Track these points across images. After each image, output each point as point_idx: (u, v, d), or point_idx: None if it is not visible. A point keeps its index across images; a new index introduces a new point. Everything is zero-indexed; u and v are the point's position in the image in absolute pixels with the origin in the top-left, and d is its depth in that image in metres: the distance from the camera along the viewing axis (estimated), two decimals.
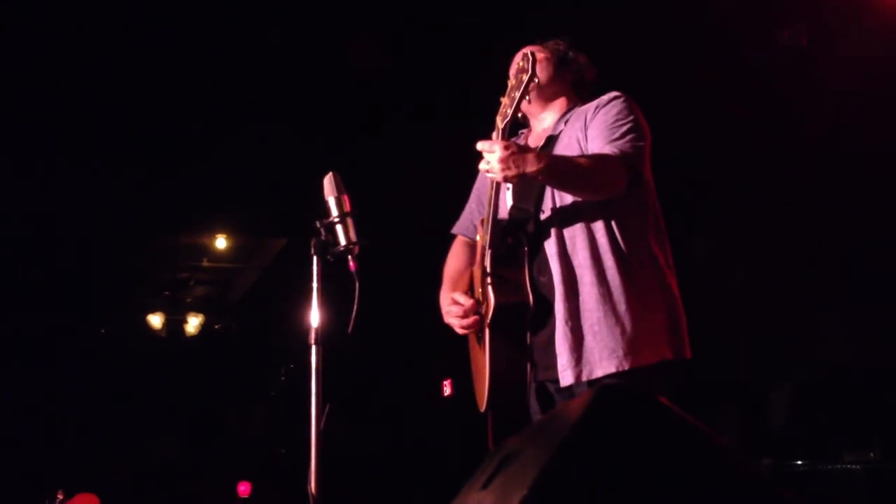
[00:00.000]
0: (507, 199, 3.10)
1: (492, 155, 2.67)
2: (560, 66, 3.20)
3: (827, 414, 6.17)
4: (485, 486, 1.50)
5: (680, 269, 3.07)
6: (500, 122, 2.83)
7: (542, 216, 2.97)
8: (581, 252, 2.88)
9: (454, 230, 3.46)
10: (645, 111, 3.05)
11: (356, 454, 8.10)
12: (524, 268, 2.91)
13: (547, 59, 3.17)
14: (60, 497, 7.15)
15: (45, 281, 9.03)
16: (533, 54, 2.78)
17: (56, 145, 7.16)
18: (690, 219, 6.57)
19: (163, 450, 9.99)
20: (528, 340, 2.89)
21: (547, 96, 3.18)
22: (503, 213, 3.07)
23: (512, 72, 2.97)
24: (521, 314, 2.88)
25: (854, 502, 5.02)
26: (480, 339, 3.01)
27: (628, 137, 2.90)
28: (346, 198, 2.87)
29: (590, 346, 2.82)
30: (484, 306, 2.96)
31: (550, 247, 2.91)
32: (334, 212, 2.85)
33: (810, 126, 6.16)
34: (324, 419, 2.69)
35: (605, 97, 3.06)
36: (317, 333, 2.76)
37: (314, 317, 2.78)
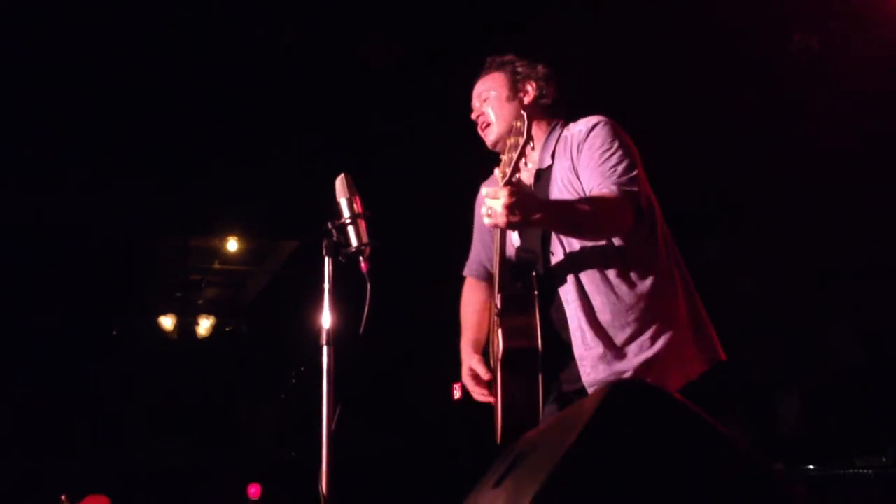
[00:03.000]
0: (514, 240, 3.11)
1: (495, 202, 2.63)
2: (513, 93, 3.17)
3: (838, 418, 6.15)
4: (497, 485, 1.50)
5: (689, 274, 3.08)
6: (500, 177, 2.78)
7: (552, 259, 2.97)
8: (595, 294, 2.89)
9: (465, 272, 3.50)
10: (656, 118, 3.04)
11: (366, 455, 8.09)
12: (534, 312, 2.90)
13: (500, 96, 3.15)
14: (64, 499, 7.16)
15: (56, 282, 9.06)
16: (529, 116, 2.73)
17: (69, 148, 7.18)
18: (700, 224, 6.57)
19: (173, 451, 10.00)
20: (542, 376, 2.88)
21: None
22: (510, 253, 3.07)
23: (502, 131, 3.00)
24: (531, 358, 2.88)
25: None
26: (495, 379, 3.05)
27: (622, 170, 2.87)
28: (357, 199, 2.88)
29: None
30: (497, 348, 2.98)
31: (564, 291, 2.92)
32: (346, 213, 2.85)
33: (820, 129, 6.14)
34: (335, 420, 2.70)
35: (584, 127, 3.01)
36: (328, 335, 2.76)
37: (326, 318, 2.78)
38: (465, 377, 3.23)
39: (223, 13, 6.00)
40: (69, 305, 9.41)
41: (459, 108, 3.31)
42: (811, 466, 5.29)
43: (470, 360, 3.23)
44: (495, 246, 3.02)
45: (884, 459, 5.34)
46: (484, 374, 3.13)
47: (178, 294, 10.86)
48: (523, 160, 2.69)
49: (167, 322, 10.89)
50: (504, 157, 2.78)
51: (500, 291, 2.96)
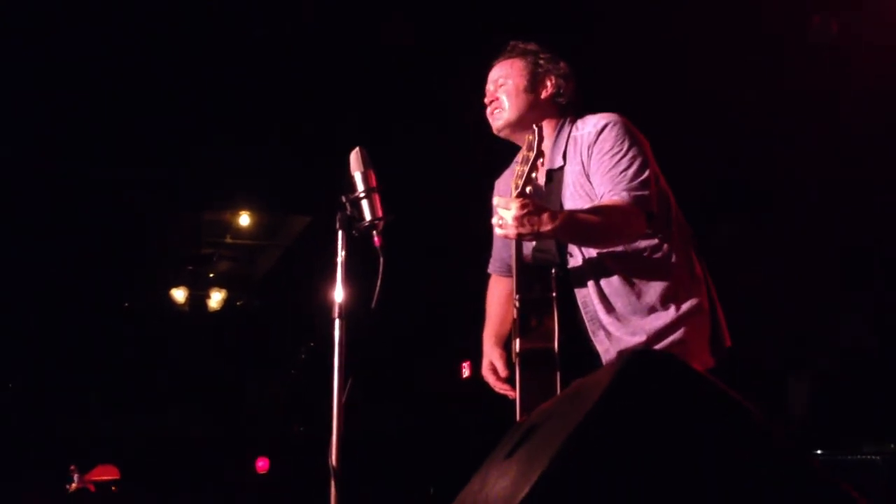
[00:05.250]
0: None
1: (507, 212, 2.63)
2: (533, 86, 3.12)
3: (846, 404, 6.15)
4: (509, 456, 1.50)
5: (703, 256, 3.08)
6: (513, 188, 2.76)
7: (570, 260, 2.97)
8: (615, 296, 2.90)
9: (489, 270, 3.48)
10: (672, 111, 3.02)
11: (376, 430, 8.13)
12: (552, 313, 2.90)
13: (518, 85, 3.12)
14: (73, 469, 7.23)
15: (68, 256, 9.10)
16: (540, 128, 2.75)
17: (81, 121, 7.20)
18: (713, 211, 6.56)
19: (182, 424, 10.07)
20: (560, 377, 2.87)
21: (530, 121, 3.05)
22: (527, 253, 3.05)
23: (522, 144, 2.92)
24: (548, 359, 2.88)
25: (874, 493, 5.00)
26: (514, 377, 3.05)
27: (632, 174, 2.85)
28: (371, 173, 2.86)
29: None
30: (515, 349, 2.99)
31: (582, 293, 2.93)
32: (360, 187, 2.84)
33: (833, 120, 6.11)
34: (346, 393, 2.71)
35: (593, 129, 2.98)
36: (341, 308, 2.77)
37: (338, 291, 2.78)
38: (485, 371, 3.23)
39: None
40: (82, 278, 9.45)
41: (477, 84, 3.28)
42: (819, 452, 5.29)
43: (491, 355, 3.23)
44: (512, 248, 3.00)
45: (892, 446, 5.33)
46: (502, 371, 3.14)
47: (190, 267, 10.90)
48: (534, 174, 2.70)
49: (179, 295, 10.93)
50: (517, 169, 2.77)
51: (517, 293, 2.96)
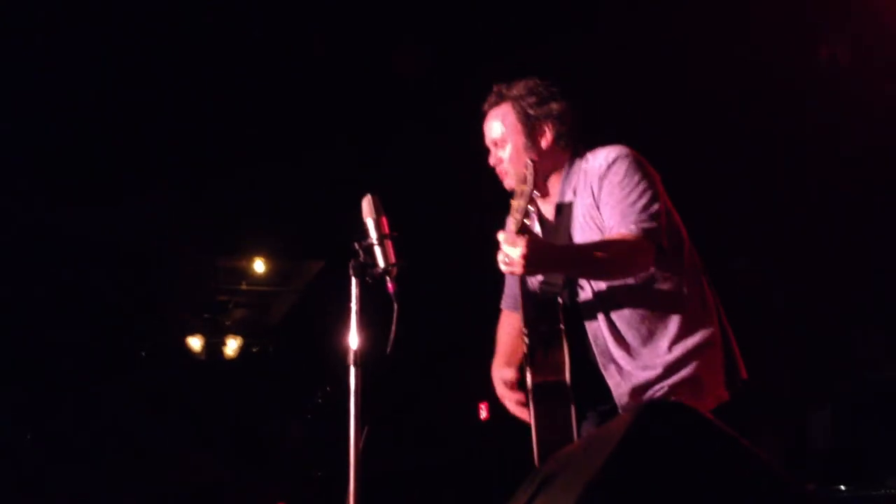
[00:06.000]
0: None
1: (512, 251, 2.62)
2: (532, 140, 3.07)
3: (869, 437, 6.07)
4: None
5: (718, 284, 3.06)
6: (513, 224, 2.73)
7: (580, 292, 2.96)
8: (627, 329, 2.89)
9: (502, 305, 3.47)
10: (680, 131, 3.02)
11: (394, 474, 8.08)
12: (562, 346, 2.89)
13: (517, 145, 3.07)
14: None
15: (85, 304, 9.13)
16: (534, 162, 2.75)
17: (98, 169, 7.25)
18: (728, 238, 6.53)
19: (200, 471, 10.03)
20: (574, 408, 2.87)
21: (543, 174, 3.06)
22: (533, 286, 3.05)
23: (512, 176, 3.00)
24: (560, 391, 2.88)
25: None
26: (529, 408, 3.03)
27: (641, 206, 2.84)
28: (384, 220, 2.88)
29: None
30: (528, 384, 2.98)
31: (593, 326, 2.92)
32: (373, 233, 2.85)
33: (848, 141, 6.10)
34: (362, 440, 2.70)
35: (604, 161, 2.95)
36: (356, 355, 2.77)
37: (353, 338, 2.78)
38: (498, 387, 3.17)
39: (250, 35, 6.05)
40: (98, 326, 9.48)
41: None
42: (842, 487, 5.21)
43: (500, 374, 3.17)
44: (517, 282, 3.01)
45: None
46: (513, 377, 3.08)
47: (206, 315, 10.92)
48: (531, 209, 2.70)
49: (195, 343, 10.95)
50: (513, 203, 2.74)
51: (526, 326, 2.96)
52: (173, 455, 9.88)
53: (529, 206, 2.70)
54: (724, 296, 3.07)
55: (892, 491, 5.02)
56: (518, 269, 2.64)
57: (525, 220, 2.69)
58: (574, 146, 3.11)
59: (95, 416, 9.53)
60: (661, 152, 3.02)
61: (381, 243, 2.84)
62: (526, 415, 3.01)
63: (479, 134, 3.18)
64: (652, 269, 2.89)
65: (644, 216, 2.82)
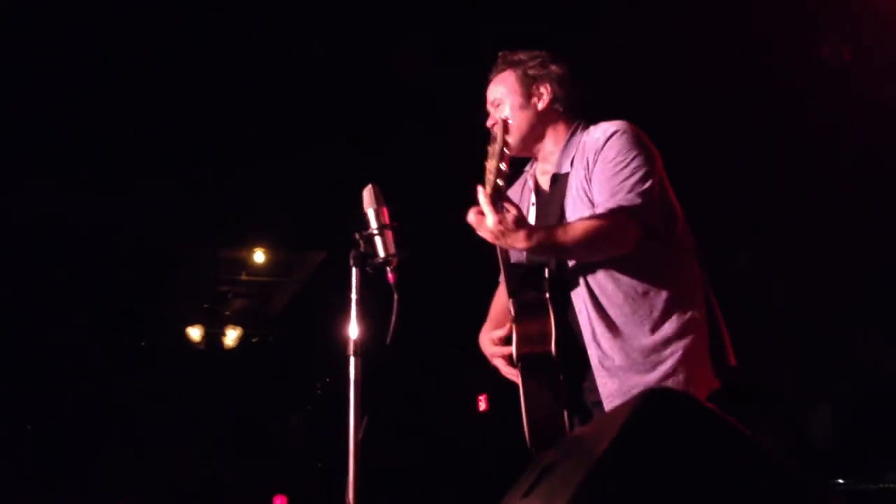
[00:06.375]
0: None
1: (483, 221, 2.65)
2: (526, 100, 3.07)
3: (869, 432, 6.09)
4: (526, 495, 1.49)
5: (718, 283, 3.05)
6: (487, 187, 2.71)
7: (567, 262, 2.92)
8: (610, 306, 2.83)
9: (499, 280, 3.40)
10: (680, 131, 2.99)
11: (393, 466, 8.10)
12: (548, 316, 2.87)
13: (514, 104, 3.06)
14: None
15: (85, 294, 9.15)
16: (506, 122, 2.72)
17: (99, 160, 7.26)
18: (728, 237, 6.54)
19: (200, 462, 10.05)
20: (562, 379, 2.86)
21: (536, 135, 3.08)
22: (519, 256, 3.03)
23: (489, 125, 2.94)
24: (546, 362, 2.86)
25: None
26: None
27: (631, 185, 2.79)
28: (385, 210, 2.88)
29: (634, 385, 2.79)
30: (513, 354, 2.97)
31: (577, 300, 2.88)
32: (373, 224, 2.85)
33: (849, 141, 6.10)
34: (362, 431, 2.70)
35: (601, 135, 2.93)
36: (356, 345, 2.77)
37: (353, 328, 2.78)
38: (486, 348, 3.13)
39: (250, 27, 6.05)
40: (98, 317, 9.49)
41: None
42: (841, 481, 5.23)
43: (487, 335, 3.12)
44: (498, 250, 2.94)
45: None
46: (501, 333, 3.05)
47: (206, 305, 10.93)
48: (503, 165, 2.66)
49: (195, 333, 10.96)
50: (486, 165, 2.73)
51: (511, 296, 2.94)
52: (172, 446, 9.89)
53: (502, 165, 2.67)
54: (725, 296, 3.05)
55: (891, 485, 5.04)
56: (488, 238, 2.67)
57: (498, 181, 2.66)
58: (575, 117, 3.08)
59: (94, 406, 9.55)
60: (661, 152, 2.99)
61: (381, 233, 2.84)
62: (513, 373, 3.00)
63: (478, 134, 3.18)
64: (639, 247, 2.81)
65: (633, 194, 2.78)
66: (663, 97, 5.81)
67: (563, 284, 2.92)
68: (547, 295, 2.90)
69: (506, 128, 2.70)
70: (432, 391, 8.97)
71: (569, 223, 2.83)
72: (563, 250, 2.81)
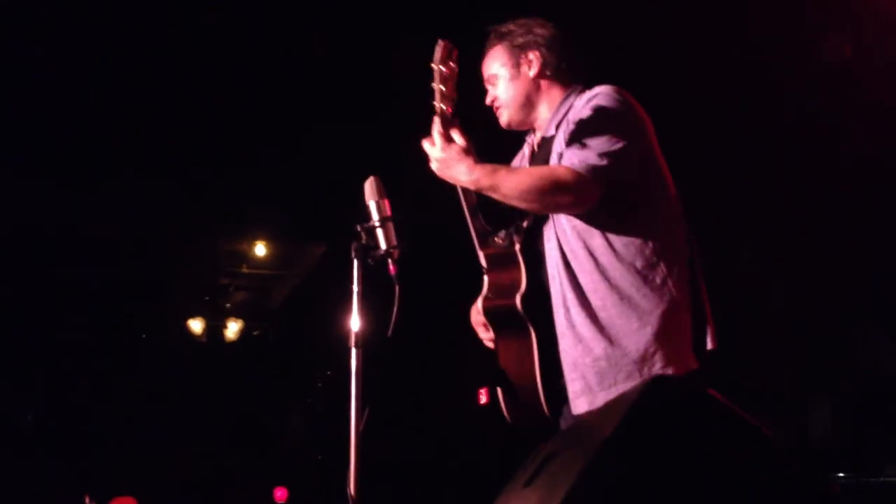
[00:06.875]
0: None
1: (432, 149, 2.70)
2: (517, 70, 3.04)
3: (868, 425, 6.09)
4: (528, 484, 1.50)
5: (718, 282, 3.04)
6: (437, 113, 2.76)
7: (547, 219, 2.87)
8: (581, 272, 2.77)
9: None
10: (680, 131, 2.96)
11: (394, 458, 8.10)
12: (519, 267, 2.84)
13: (506, 76, 3.05)
14: (87, 500, 7.23)
15: (85, 287, 9.15)
16: (445, 43, 2.77)
17: (100, 152, 7.27)
18: (729, 231, 6.55)
19: (200, 454, 10.05)
20: (532, 336, 2.81)
21: (531, 103, 3.05)
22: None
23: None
24: (513, 316, 2.83)
25: None
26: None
27: (597, 143, 2.71)
28: (386, 202, 2.89)
29: (599, 374, 2.73)
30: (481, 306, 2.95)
31: (550, 257, 2.83)
32: (375, 216, 2.87)
33: (849, 141, 6.11)
34: (363, 422, 2.71)
35: (586, 98, 2.88)
36: (357, 337, 2.77)
37: (354, 320, 2.79)
38: (472, 316, 3.13)
39: (250, 18, 6.05)
40: (98, 309, 9.50)
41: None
42: (840, 474, 5.23)
43: (476, 305, 3.09)
44: (459, 196, 2.92)
45: None
46: (480, 308, 3.01)
47: (207, 298, 10.93)
48: (445, 88, 2.72)
49: (196, 326, 10.96)
50: (434, 88, 2.77)
51: (481, 248, 2.92)
52: (173, 439, 9.90)
53: (443, 87, 2.71)
54: (724, 295, 3.03)
55: (890, 479, 5.04)
56: (434, 169, 2.72)
57: (443, 106, 2.72)
58: (571, 81, 3.04)
59: (95, 398, 9.56)
60: (662, 152, 2.99)
61: (382, 225, 2.85)
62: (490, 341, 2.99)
63: (479, 134, 3.19)
64: (610, 211, 2.74)
65: (597, 152, 2.69)
66: (663, 97, 5.80)
67: (539, 239, 2.88)
68: (518, 247, 2.87)
69: (445, 48, 2.77)
70: (433, 384, 8.97)
71: (517, 168, 2.84)
72: (506, 195, 2.74)
